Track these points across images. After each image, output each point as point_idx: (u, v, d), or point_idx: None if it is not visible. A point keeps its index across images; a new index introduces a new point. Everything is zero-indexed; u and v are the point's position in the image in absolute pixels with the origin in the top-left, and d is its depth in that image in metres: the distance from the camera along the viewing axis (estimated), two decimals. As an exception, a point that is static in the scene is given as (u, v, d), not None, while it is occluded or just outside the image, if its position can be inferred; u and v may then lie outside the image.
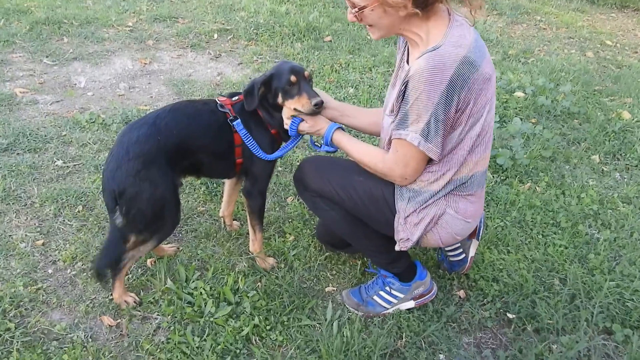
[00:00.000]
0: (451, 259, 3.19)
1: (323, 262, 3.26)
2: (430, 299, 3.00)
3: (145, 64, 5.72)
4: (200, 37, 6.48)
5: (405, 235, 2.62)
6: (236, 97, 2.90)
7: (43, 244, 3.18)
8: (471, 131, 2.41)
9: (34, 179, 3.70)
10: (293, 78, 2.71)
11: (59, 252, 3.13)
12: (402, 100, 2.37)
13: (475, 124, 2.39)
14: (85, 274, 3.00)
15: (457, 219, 2.59)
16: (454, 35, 2.26)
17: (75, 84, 5.16)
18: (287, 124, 2.79)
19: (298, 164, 3.34)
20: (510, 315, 2.98)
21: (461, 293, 3.12)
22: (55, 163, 3.89)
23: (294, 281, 3.05)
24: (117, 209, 2.60)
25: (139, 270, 3.08)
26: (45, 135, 4.18)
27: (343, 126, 2.78)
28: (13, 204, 3.47)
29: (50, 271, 3.01)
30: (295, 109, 2.73)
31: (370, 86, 5.54)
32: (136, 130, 2.64)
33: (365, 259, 3.26)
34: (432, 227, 2.60)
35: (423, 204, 2.55)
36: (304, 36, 6.60)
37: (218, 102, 2.85)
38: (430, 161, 2.47)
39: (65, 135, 4.22)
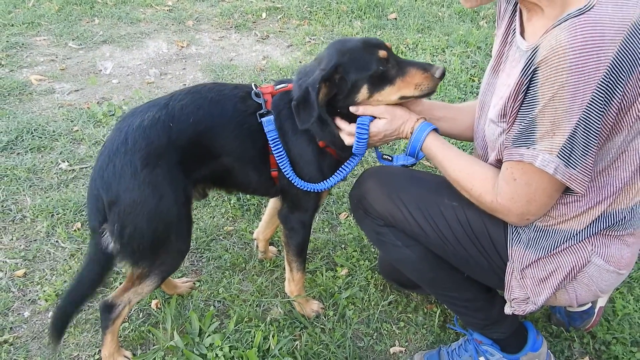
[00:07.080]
0: (570, 309, 2.25)
1: (387, 308, 2.39)
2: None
3: (182, 47, 4.98)
4: (247, 16, 5.67)
5: (524, 294, 1.74)
6: (282, 85, 2.05)
7: (25, 275, 2.47)
8: (637, 140, 1.48)
9: (30, 186, 3.01)
10: (383, 53, 1.86)
11: (41, 287, 2.41)
12: (524, 98, 1.47)
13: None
14: (69, 319, 2.26)
15: (605, 271, 1.69)
16: None
17: (100, 70, 4.48)
18: (349, 138, 1.92)
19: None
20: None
21: (587, 363, 2.18)
22: (59, 166, 3.19)
23: (346, 338, 2.20)
24: (106, 227, 1.84)
25: (140, 315, 2.31)
26: (54, 131, 3.50)
27: (438, 127, 1.89)
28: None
29: (26, 314, 2.29)
30: (402, 97, 1.89)
31: (444, 70, 4.55)
32: (141, 114, 1.89)
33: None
34: (566, 284, 1.68)
35: (553, 249, 1.64)
36: (364, 13, 5.67)
37: (254, 88, 2.03)
38: (568, 189, 1.55)
39: (76, 131, 3.53)
